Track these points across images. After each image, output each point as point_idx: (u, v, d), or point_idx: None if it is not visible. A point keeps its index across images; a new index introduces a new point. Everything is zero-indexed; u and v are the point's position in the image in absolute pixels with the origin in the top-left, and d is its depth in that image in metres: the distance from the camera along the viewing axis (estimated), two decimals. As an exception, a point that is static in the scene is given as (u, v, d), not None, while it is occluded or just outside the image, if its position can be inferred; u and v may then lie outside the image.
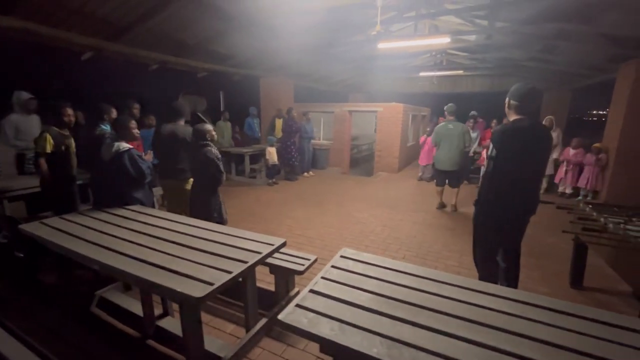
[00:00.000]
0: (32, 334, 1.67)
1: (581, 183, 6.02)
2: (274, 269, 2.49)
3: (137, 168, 2.73)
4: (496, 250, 2.45)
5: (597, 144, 5.95)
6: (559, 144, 6.39)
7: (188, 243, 2.00)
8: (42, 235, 2.13)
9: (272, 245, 1.99)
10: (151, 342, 2.23)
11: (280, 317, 1.30)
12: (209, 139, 3.01)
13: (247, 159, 7.33)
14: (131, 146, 2.79)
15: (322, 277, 1.62)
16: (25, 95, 4.01)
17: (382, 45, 6.51)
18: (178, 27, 5.28)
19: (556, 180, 6.44)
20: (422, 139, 8.16)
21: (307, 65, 8.97)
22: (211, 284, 1.53)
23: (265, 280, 2.84)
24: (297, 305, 1.38)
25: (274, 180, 7.28)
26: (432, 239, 4.22)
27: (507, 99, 2.33)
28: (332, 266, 1.75)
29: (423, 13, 6.28)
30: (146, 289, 2.11)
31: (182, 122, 3.39)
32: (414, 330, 1.25)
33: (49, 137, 2.83)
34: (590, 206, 2.82)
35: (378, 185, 7.39)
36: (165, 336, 2.23)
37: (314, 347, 2.17)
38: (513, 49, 8.23)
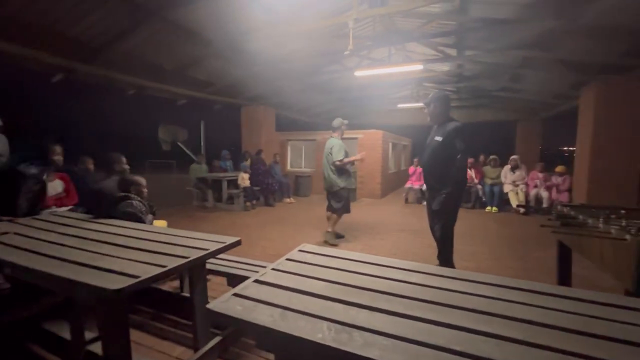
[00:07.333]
0: None
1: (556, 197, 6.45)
2: (232, 279, 2.21)
3: None
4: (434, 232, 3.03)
5: (559, 167, 6.79)
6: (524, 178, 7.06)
7: (122, 242, 1.74)
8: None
9: (223, 243, 1.76)
10: (79, 370, 1.87)
11: (209, 305, 1.07)
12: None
13: (224, 185, 7.11)
14: None
15: (273, 269, 1.40)
16: None
17: (359, 73, 6.69)
18: (153, 51, 5.33)
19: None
20: (410, 169, 8.28)
21: (289, 95, 9.15)
22: (136, 277, 1.28)
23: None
24: (235, 294, 1.15)
25: (253, 202, 7.06)
26: (412, 256, 4.00)
27: (444, 107, 2.95)
28: (287, 259, 1.53)
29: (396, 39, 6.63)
30: (60, 289, 1.76)
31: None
32: (371, 314, 1.04)
33: None
34: (568, 207, 2.73)
35: (361, 210, 7.22)
36: (96, 362, 1.87)
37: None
38: (484, 79, 8.68)
